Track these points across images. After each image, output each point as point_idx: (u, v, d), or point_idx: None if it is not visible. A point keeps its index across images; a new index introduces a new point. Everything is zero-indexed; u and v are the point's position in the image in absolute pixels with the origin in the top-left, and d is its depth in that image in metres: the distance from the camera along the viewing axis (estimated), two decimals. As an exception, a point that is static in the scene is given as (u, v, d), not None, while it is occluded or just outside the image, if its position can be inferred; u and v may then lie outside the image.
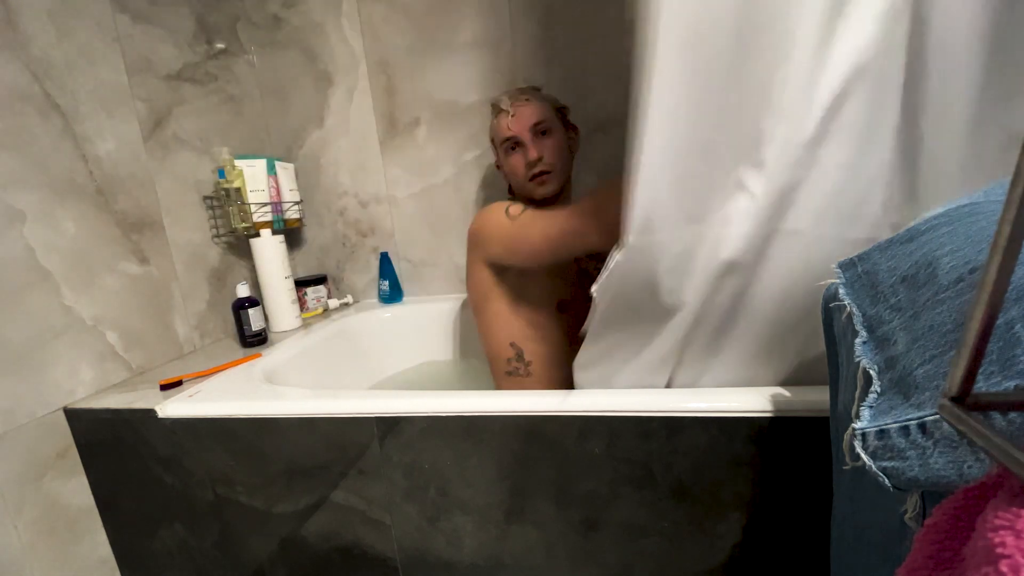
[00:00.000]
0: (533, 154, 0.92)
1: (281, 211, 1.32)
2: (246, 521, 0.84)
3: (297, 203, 1.38)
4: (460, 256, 1.34)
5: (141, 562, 0.93)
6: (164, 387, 0.91)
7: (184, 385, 0.93)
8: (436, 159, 1.34)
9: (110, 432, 0.86)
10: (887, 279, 0.39)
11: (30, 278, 0.84)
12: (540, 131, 0.94)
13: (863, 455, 0.34)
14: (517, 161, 0.95)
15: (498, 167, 1.05)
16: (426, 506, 0.75)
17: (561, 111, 0.99)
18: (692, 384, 0.67)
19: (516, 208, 0.92)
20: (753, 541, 0.64)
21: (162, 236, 1.09)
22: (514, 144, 0.95)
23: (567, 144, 0.98)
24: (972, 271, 0.32)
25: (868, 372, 0.37)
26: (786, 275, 0.56)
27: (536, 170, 0.93)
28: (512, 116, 0.93)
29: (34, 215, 0.85)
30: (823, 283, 0.49)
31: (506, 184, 1.07)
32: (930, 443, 0.31)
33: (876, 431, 0.34)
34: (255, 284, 1.28)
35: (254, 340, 1.15)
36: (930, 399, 0.31)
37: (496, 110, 0.98)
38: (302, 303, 1.36)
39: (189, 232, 1.16)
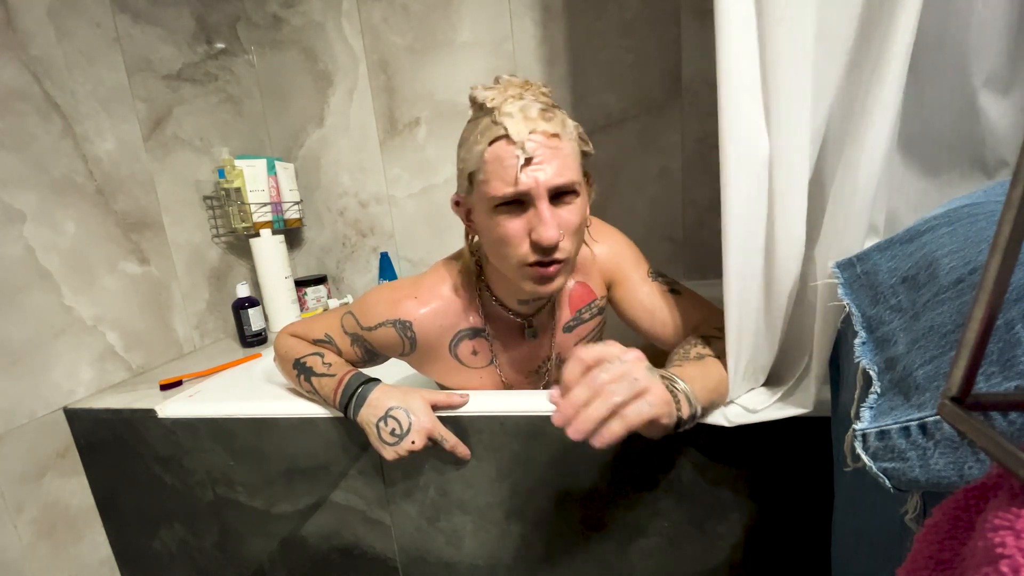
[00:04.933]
0: (551, 235, 0.56)
1: (281, 211, 1.32)
2: (246, 521, 0.84)
3: (297, 203, 1.38)
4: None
5: (141, 562, 0.93)
6: (164, 387, 0.91)
7: (184, 385, 0.93)
8: (436, 159, 1.34)
9: (110, 432, 0.86)
10: (887, 280, 0.39)
11: (30, 278, 0.84)
12: (562, 195, 0.58)
13: (864, 456, 0.34)
14: (515, 230, 0.58)
15: (457, 204, 0.66)
16: (426, 506, 0.74)
17: (585, 156, 0.62)
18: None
19: None
20: (753, 541, 0.64)
21: (162, 236, 1.09)
22: (517, 204, 0.58)
23: (585, 212, 0.63)
24: (972, 271, 0.32)
25: (868, 373, 0.37)
26: None
27: (548, 259, 0.58)
28: (529, 161, 0.55)
29: (34, 215, 0.85)
30: (820, 283, 0.49)
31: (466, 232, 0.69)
32: (931, 444, 0.31)
33: (877, 432, 0.34)
34: (255, 284, 1.28)
35: (254, 340, 1.15)
36: (930, 400, 0.31)
37: (493, 126, 0.56)
38: (302, 303, 1.36)
39: (189, 232, 1.16)
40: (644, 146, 1.23)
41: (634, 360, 0.47)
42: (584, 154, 0.61)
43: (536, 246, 0.57)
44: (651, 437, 0.52)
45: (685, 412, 0.52)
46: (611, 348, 0.47)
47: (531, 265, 0.59)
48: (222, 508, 0.84)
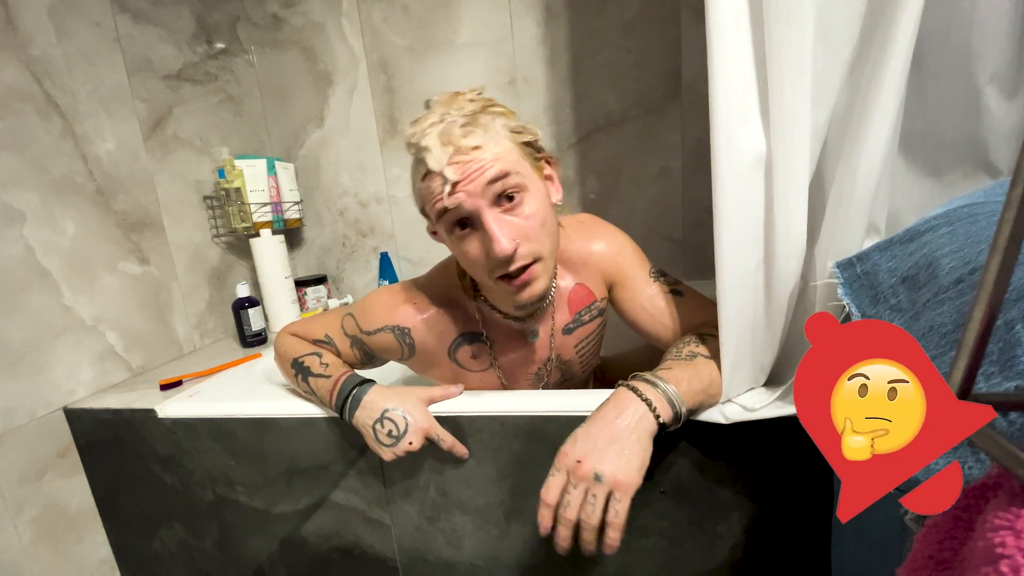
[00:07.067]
0: (501, 248, 0.54)
1: (281, 211, 1.32)
2: (246, 521, 0.84)
3: (297, 203, 1.38)
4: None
5: (141, 562, 0.93)
6: (164, 387, 0.91)
7: (184, 385, 0.93)
8: (436, 159, 1.34)
9: (110, 432, 0.86)
10: (887, 280, 0.39)
11: (30, 278, 0.84)
12: (505, 196, 0.56)
13: (863, 455, 0.34)
14: (474, 250, 0.57)
15: (434, 233, 0.65)
16: (426, 506, 0.74)
17: (530, 144, 0.59)
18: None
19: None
20: (753, 541, 0.64)
21: (162, 236, 1.09)
22: (463, 223, 0.57)
23: (548, 198, 0.60)
24: (972, 271, 0.32)
25: (868, 372, 0.37)
26: None
27: (514, 267, 0.57)
28: (450, 182, 0.54)
29: (34, 215, 0.85)
30: (820, 283, 0.49)
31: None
32: (930, 443, 0.30)
33: (876, 431, 0.34)
34: (255, 284, 1.28)
35: (254, 340, 1.15)
36: (930, 399, 0.31)
37: (419, 163, 0.57)
38: (302, 303, 1.36)
39: (189, 232, 1.16)
40: (644, 146, 1.23)
41: (572, 460, 0.51)
42: (528, 144, 0.59)
43: (496, 261, 0.56)
44: None
45: (666, 416, 0.53)
46: (554, 473, 0.53)
47: (503, 279, 0.58)
48: (222, 508, 0.84)
